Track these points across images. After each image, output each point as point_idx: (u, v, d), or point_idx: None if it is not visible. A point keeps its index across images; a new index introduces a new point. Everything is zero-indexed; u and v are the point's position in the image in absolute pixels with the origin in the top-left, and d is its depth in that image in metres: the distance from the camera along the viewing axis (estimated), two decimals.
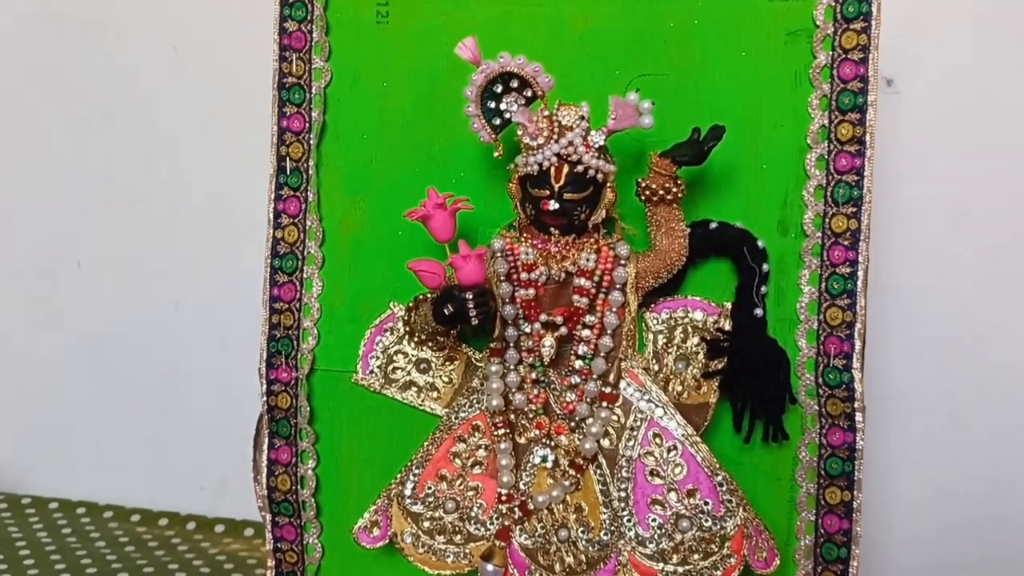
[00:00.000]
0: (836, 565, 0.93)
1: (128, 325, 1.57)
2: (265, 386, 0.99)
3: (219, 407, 1.50)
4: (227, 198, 1.43)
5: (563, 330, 0.86)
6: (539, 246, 0.86)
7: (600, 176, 0.85)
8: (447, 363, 0.98)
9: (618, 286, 0.86)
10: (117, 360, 1.59)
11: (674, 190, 0.88)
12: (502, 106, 0.83)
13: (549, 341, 0.86)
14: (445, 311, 0.85)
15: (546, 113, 0.82)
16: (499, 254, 0.86)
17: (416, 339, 0.93)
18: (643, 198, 0.86)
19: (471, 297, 0.82)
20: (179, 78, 1.45)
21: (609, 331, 0.88)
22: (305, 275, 0.96)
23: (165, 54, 1.47)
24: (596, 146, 0.83)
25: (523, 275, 0.86)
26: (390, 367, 0.96)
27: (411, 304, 0.93)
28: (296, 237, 0.96)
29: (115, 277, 1.57)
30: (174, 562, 1.41)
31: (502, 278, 0.86)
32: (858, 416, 0.91)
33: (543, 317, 0.86)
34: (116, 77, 1.50)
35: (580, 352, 0.86)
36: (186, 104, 1.45)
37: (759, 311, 0.91)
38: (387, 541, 0.94)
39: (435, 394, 0.97)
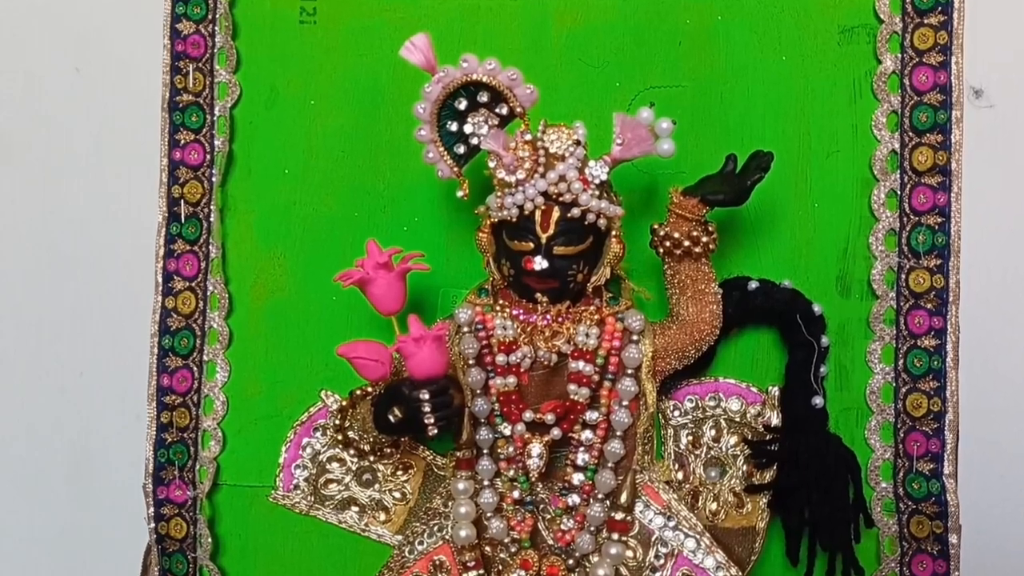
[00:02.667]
0: None
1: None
2: (152, 509, 0.75)
3: (138, 494, 1.28)
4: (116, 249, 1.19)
5: (555, 433, 0.68)
6: (521, 318, 0.68)
7: (602, 222, 0.65)
8: (399, 472, 0.76)
9: (629, 371, 0.68)
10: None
11: (704, 240, 0.65)
12: (467, 128, 0.67)
13: (537, 449, 0.68)
14: (391, 416, 0.62)
15: (528, 137, 0.66)
16: (466, 329, 0.68)
17: (353, 452, 0.69)
18: (661, 251, 0.67)
19: (427, 396, 0.62)
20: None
21: (619, 433, 0.68)
22: (205, 357, 0.78)
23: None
24: (597, 182, 0.65)
25: (499, 358, 0.68)
26: (322, 479, 0.76)
27: (344, 403, 0.68)
28: (193, 306, 0.75)
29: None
30: None
31: (471, 361, 0.68)
32: (952, 538, 0.69)
33: (528, 415, 0.68)
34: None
35: (580, 462, 0.69)
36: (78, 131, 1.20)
37: (818, 400, 0.69)
38: None
39: (383, 516, 0.76)
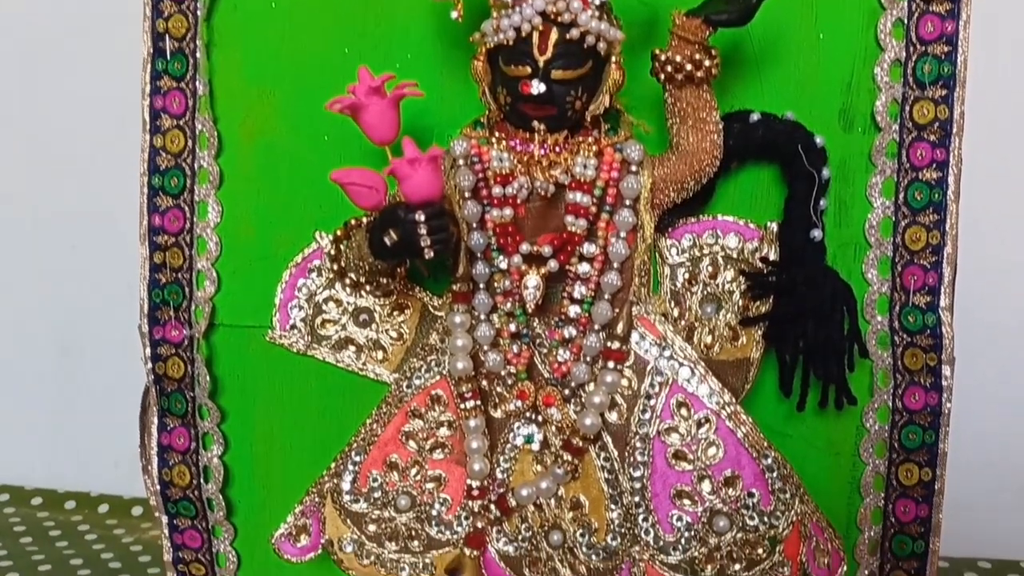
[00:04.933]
0: (910, 562, 0.74)
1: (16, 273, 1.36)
2: (149, 349, 0.75)
3: (132, 363, 1.29)
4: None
5: (552, 265, 0.67)
6: (518, 148, 0.66)
7: (602, 46, 0.63)
8: (395, 313, 0.75)
9: (627, 202, 0.67)
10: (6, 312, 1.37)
11: (706, 64, 0.64)
12: None
13: (534, 281, 0.67)
14: (386, 240, 0.62)
15: None
16: (462, 162, 0.67)
17: (349, 281, 0.68)
18: (662, 77, 0.65)
19: (422, 219, 0.61)
20: None
21: (616, 264, 0.67)
22: (197, 197, 0.76)
23: None
24: (597, 2, 0.64)
25: (496, 190, 0.67)
26: (318, 320, 0.75)
27: (339, 232, 0.67)
28: (182, 145, 0.73)
29: None
30: (78, 555, 1.18)
31: (467, 195, 0.67)
32: (945, 370, 0.70)
33: (525, 247, 0.67)
34: None
35: (576, 294, 0.67)
36: None
37: (817, 232, 0.68)
38: (319, 551, 0.73)
39: (380, 355, 0.75)
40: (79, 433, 1.39)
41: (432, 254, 0.62)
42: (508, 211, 0.66)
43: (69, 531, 1.26)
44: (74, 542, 1.23)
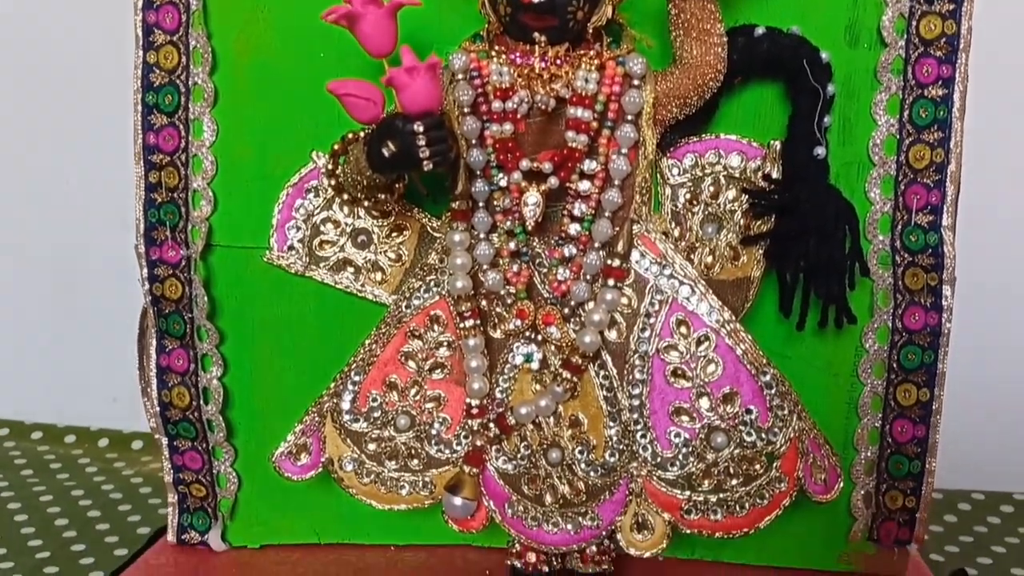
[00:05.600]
0: (906, 482, 0.74)
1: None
2: (146, 270, 0.74)
3: (129, 299, 1.29)
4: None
5: (553, 181, 0.66)
6: (518, 62, 0.65)
7: None
8: (393, 234, 0.74)
9: (629, 117, 0.66)
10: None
11: None
12: None
13: (534, 198, 0.66)
14: (385, 151, 0.61)
15: None
16: (461, 76, 0.65)
17: (347, 197, 0.68)
18: None
19: (421, 129, 0.59)
20: None
21: (617, 181, 0.65)
22: (191, 115, 0.75)
23: None
24: None
25: (495, 104, 0.65)
26: (316, 241, 0.74)
27: (336, 147, 0.66)
28: (176, 61, 0.71)
29: None
30: (79, 487, 1.18)
31: (466, 110, 0.66)
32: (946, 290, 0.69)
33: (525, 164, 0.66)
34: None
35: (577, 212, 0.66)
36: None
37: (820, 150, 0.67)
38: (320, 470, 0.73)
39: (379, 276, 0.74)
40: (76, 370, 1.39)
41: (431, 166, 0.61)
42: (508, 126, 0.65)
43: (70, 464, 1.26)
44: (75, 475, 1.23)
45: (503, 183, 0.67)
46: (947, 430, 0.73)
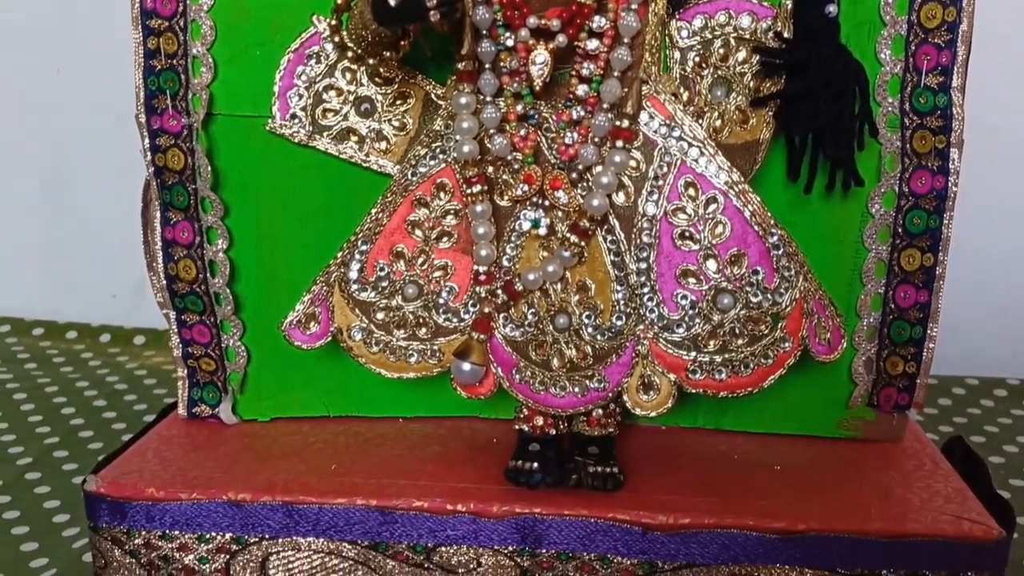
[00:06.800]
0: (907, 348, 0.74)
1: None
2: (148, 140, 0.72)
3: (125, 195, 1.27)
4: None
5: (561, 39, 0.64)
6: None
7: None
8: (398, 101, 0.73)
9: None
10: None
11: None
12: None
13: (542, 56, 0.65)
14: (391, 1, 0.58)
15: None
16: None
17: (352, 55, 0.66)
18: None
19: None
20: None
21: (626, 39, 0.64)
22: None
23: None
24: None
25: None
26: (319, 109, 0.73)
27: (339, 1, 0.65)
28: None
29: None
30: (83, 378, 1.20)
31: None
32: (953, 153, 0.69)
33: (532, 21, 0.65)
34: None
35: (585, 72, 0.65)
36: None
37: (832, 8, 0.66)
38: (329, 338, 0.72)
39: (383, 144, 0.73)
40: (74, 268, 1.38)
41: (437, 16, 0.59)
42: None
43: (73, 358, 1.27)
44: (78, 368, 1.24)
45: (510, 42, 0.65)
46: (943, 319, 0.73)
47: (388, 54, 0.66)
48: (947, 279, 0.73)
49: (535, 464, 0.70)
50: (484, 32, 0.65)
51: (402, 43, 0.66)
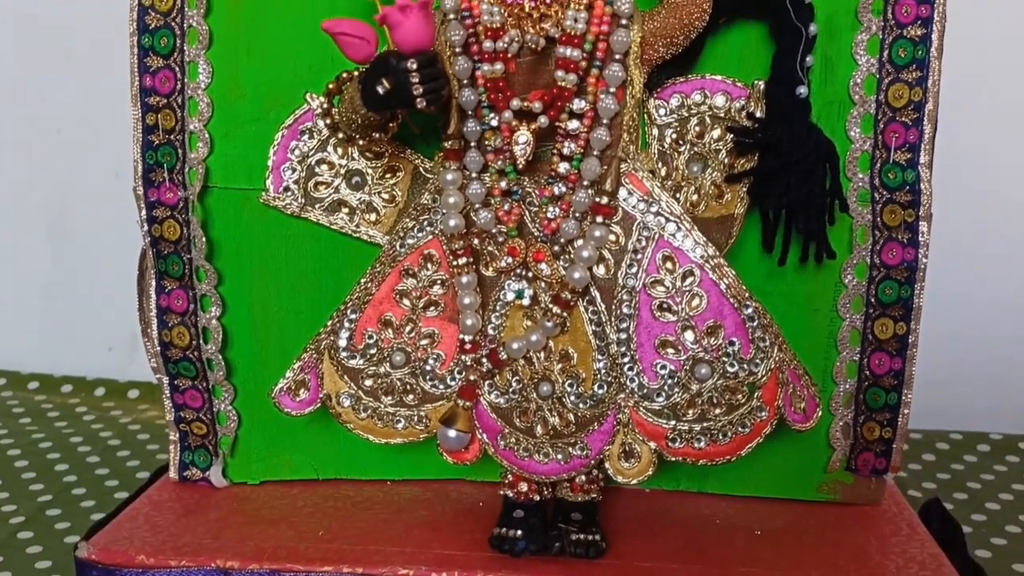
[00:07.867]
0: (883, 413, 0.76)
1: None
2: (145, 211, 0.75)
3: (122, 251, 1.29)
4: None
5: (543, 120, 0.67)
6: (508, 2, 0.67)
7: None
8: (387, 175, 0.76)
9: (617, 56, 0.67)
10: None
11: None
12: None
13: (524, 136, 0.68)
14: (379, 88, 0.62)
15: None
16: (452, 16, 0.67)
17: (343, 136, 0.69)
18: None
19: (415, 66, 0.60)
20: None
21: (605, 120, 0.67)
22: (187, 57, 0.75)
23: None
24: None
25: (486, 44, 0.67)
26: (311, 182, 0.75)
27: (331, 85, 0.67)
28: (171, 4, 0.73)
29: None
30: (77, 434, 1.21)
31: (458, 50, 0.67)
32: (922, 227, 0.71)
33: (515, 103, 0.67)
34: None
35: (566, 151, 0.68)
36: None
37: (803, 89, 0.69)
38: (318, 405, 0.74)
39: (373, 216, 0.76)
40: (70, 320, 1.40)
41: (424, 103, 0.62)
42: (499, 66, 0.66)
43: (67, 413, 1.28)
44: (73, 423, 1.25)
45: (494, 123, 0.68)
46: (927, 374, 0.75)
47: (378, 135, 0.68)
48: (929, 335, 0.74)
49: (519, 532, 0.72)
50: (470, 113, 0.68)
51: (391, 125, 0.68)
